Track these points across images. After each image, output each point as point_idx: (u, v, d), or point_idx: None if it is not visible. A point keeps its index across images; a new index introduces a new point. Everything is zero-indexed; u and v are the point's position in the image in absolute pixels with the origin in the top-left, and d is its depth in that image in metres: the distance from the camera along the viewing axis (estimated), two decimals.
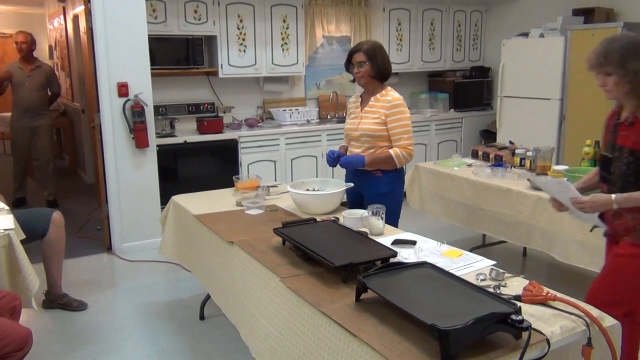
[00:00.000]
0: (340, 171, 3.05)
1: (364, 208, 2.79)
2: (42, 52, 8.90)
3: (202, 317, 3.34)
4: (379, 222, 2.47)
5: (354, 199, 3.10)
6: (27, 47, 5.48)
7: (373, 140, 2.92)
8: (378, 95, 2.96)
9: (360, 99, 3.09)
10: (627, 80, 1.98)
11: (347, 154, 3.07)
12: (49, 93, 5.74)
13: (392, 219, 2.87)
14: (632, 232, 2.06)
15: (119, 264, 4.31)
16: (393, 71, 6.59)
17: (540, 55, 5.31)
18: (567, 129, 5.17)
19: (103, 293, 3.75)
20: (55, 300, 3.48)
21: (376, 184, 2.94)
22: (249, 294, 2.18)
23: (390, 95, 2.94)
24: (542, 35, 5.36)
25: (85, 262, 4.34)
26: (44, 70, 5.62)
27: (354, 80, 3.03)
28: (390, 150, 2.88)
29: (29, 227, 3.00)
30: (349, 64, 3.00)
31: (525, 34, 5.60)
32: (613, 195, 1.99)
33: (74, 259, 4.31)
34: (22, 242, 2.64)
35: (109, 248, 4.54)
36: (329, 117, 6.00)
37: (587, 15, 5.20)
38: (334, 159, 2.98)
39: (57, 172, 5.92)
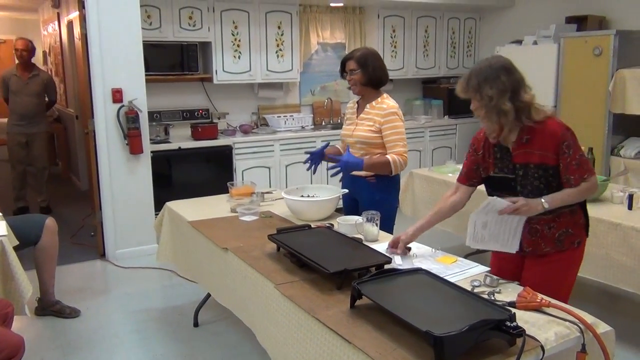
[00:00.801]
0: (335, 177, 3.04)
1: (359, 214, 2.79)
2: (36, 58, 8.88)
3: (196, 324, 3.32)
4: (373, 229, 2.47)
5: (349, 205, 3.10)
6: (27, 55, 5.45)
7: (367, 147, 2.93)
8: (374, 103, 2.96)
9: (357, 105, 3.09)
10: (482, 105, 2.06)
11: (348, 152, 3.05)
12: (46, 100, 5.71)
13: (387, 226, 2.87)
14: (552, 243, 2.15)
15: (112, 271, 4.29)
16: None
17: (534, 62, 5.34)
18: None
19: (96, 300, 3.73)
20: (48, 307, 3.46)
21: (371, 190, 2.94)
22: (252, 299, 2.17)
23: (386, 103, 2.94)
24: (535, 43, 5.40)
25: (79, 268, 4.31)
26: (41, 78, 5.58)
27: (349, 88, 3.05)
28: (388, 156, 2.85)
29: (22, 233, 2.98)
30: (343, 72, 3.01)
31: (519, 41, 5.64)
32: (542, 199, 2.05)
33: (67, 265, 4.29)
34: (15, 248, 2.63)
35: (102, 254, 4.52)
36: (323, 124, 6.01)
37: (580, 22, 5.25)
38: (318, 154, 2.94)
39: (50, 178, 5.89)
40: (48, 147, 5.90)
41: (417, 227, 2.29)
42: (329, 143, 3.15)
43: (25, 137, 5.49)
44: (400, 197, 4.08)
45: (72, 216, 5.59)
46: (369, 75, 2.91)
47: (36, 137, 5.54)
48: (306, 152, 3.05)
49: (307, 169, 3.02)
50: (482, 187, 2.32)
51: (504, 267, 2.25)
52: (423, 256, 2.24)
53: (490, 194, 2.23)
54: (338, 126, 5.53)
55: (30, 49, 5.48)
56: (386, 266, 1.99)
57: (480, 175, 2.27)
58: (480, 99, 2.06)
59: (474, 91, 2.07)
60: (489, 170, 2.23)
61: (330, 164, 2.84)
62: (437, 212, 2.35)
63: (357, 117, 3.03)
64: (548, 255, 2.17)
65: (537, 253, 2.19)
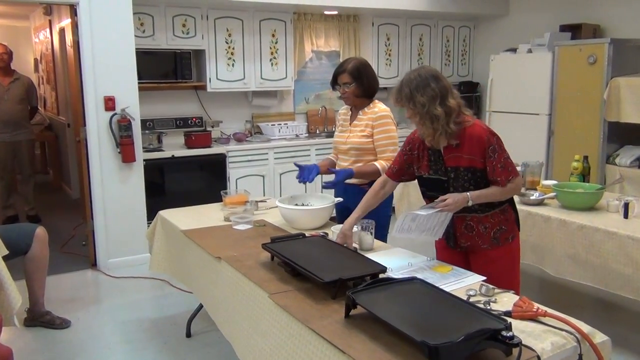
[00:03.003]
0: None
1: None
2: (27, 66, 8.87)
3: (188, 335, 3.30)
4: (368, 237, 2.47)
5: (343, 214, 3.09)
6: (8, 58, 5.41)
7: (360, 154, 2.93)
8: (366, 109, 2.98)
9: (349, 111, 3.10)
10: (416, 112, 2.21)
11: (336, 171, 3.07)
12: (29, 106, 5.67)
13: (381, 234, 2.86)
14: (489, 241, 2.34)
15: (103, 281, 4.26)
16: (382, 86, 6.64)
17: (529, 70, 5.38)
18: (556, 144, 5.23)
19: (87, 310, 3.70)
20: (38, 317, 3.43)
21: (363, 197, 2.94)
22: (242, 310, 2.16)
23: (377, 107, 2.95)
24: (530, 51, 5.44)
25: (69, 278, 4.29)
26: (22, 82, 5.54)
27: (341, 97, 3.04)
28: (376, 163, 2.88)
29: (11, 242, 2.95)
30: (334, 84, 3.01)
31: (514, 50, 5.68)
32: (468, 193, 2.23)
33: (58, 275, 4.26)
34: (5, 258, 2.61)
35: (93, 264, 4.49)
36: (317, 132, 6.02)
37: (574, 31, 5.30)
38: (305, 175, 2.91)
39: (41, 187, 5.85)
40: (34, 154, 5.85)
41: (355, 218, 2.45)
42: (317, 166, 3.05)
43: (10, 145, 5.44)
44: (395, 205, 4.09)
45: (63, 225, 5.56)
46: (364, 87, 2.92)
47: (21, 144, 5.51)
48: (296, 164, 3.00)
49: (299, 182, 2.98)
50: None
51: (448, 262, 2.34)
52: (418, 265, 2.24)
53: (423, 192, 2.43)
54: (332, 134, 5.51)
55: (9, 52, 5.44)
56: (381, 275, 1.99)
57: (412, 173, 2.45)
58: (414, 107, 2.21)
59: (407, 100, 2.23)
60: (422, 170, 2.39)
61: (325, 180, 2.85)
62: (368, 207, 2.50)
63: (350, 124, 3.04)
64: (487, 252, 2.35)
65: (475, 249, 2.37)
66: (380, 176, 2.89)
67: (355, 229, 2.53)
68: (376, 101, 3.01)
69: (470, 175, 2.26)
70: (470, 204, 2.23)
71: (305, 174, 2.92)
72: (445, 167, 2.30)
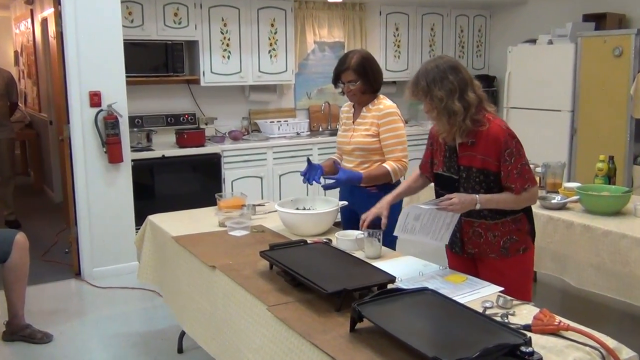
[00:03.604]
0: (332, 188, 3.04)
1: (359, 228, 2.79)
2: (6, 59, 8.91)
3: (180, 350, 3.30)
4: (375, 245, 2.47)
5: (348, 219, 3.10)
6: None
7: (366, 155, 2.93)
8: (370, 105, 2.97)
9: (352, 108, 3.10)
10: (433, 106, 2.21)
11: (341, 168, 3.07)
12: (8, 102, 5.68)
13: (389, 240, 2.86)
14: (497, 250, 2.34)
15: (88, 291, 4.27)
16: (390, 80, 6.62)
17: (549, 63, 5.38)
18: (579, 143, 5.23)
19: (71, 323, 3.70)
20: (17, 331, 3.43)
21: (371, 201, 2.93)
22: (232, 324, 2.16)
23: (383, 103, 2.95)
24: (550, 42, 5.44)
25: (52, 289, 4.29)
26: (1, 77, 5.54)
27: (343, 93, 3.04)
28: (386, 165, 2.88)
29: None
30: (337, 82, 3.00)
31: (533, 41, 5.68)
32: (477, 196, 2.23)
33: (39, 285, 4.26)
34: None
35: (77, 273, 4.49)
36: (320, 130, 6.03)
37: (598, 21, 5.29)
38: (309, 175, 2.91)
39: (21, 190, 5.87)
40: (14, 154, 5.86)
41: (395, 195, 2.56)
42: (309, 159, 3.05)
43: None
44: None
45: (44, 231, 5.57)
46: (370, 82, 2.92)
47: (1, 143, 5.52)
48: (308, 160, 2.99)
49: (304, 182, 2.99)
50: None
51: (457, 270, 2.35)
52: (430, 275, 2.24)
53: (437, 191, 2.45)
54: (336, 132, 5.52)
55: None
56: (390, 286, 1.99)
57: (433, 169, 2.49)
58: (431, 101, 2.20)
59: (424, 94, 2.21)
60: (438, 166, 2.43)
61: (328, 181, 2.85)
62: (407, 190, 2.63)
63: (353, 122, 3.04)
64: (495, 262, 2.35)
65: (482, 257, 2.38)
66: (390, 179, 2.90)
67: (360, 235, 2.53)
68: (381, 96, 3.00)
69: (482, 177, 2.26)
70: (478, 207, 2.22)
71: (311, 175, 2.92)
72: (457, 165, 2.32)
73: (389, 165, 2.88)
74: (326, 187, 2.91)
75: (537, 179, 3.73)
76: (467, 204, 2.21)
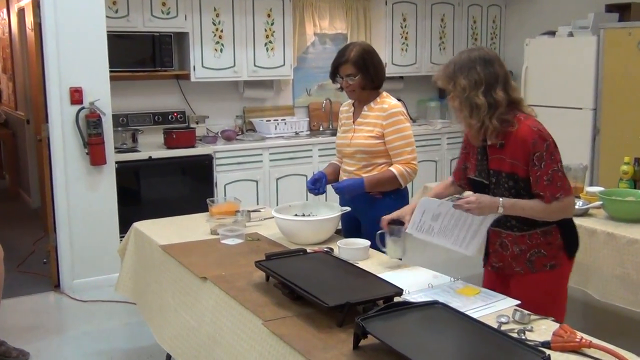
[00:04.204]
0: (332, 190, 3.04)
1: (362, 236, 2.79)
2: None
3: None
4: (398, 243, 2.48)
5: (350, 226, 3.10)
6: None
7: (369, 157, 2.93)
8: (372, 104, 2.97)
9: (352, 107, 3.10)
10: (456, 95, 2.24)
11: (341, 174, 3.08)
12: None
13: None
14: (523, 264, 2.33)
15: (68, 305, 4.26)
16: (397, 75, 6.62)
17: (569, 57, 5.38)
18: (602, 144, 5.22)
19: (49, 340, 3.70)
20: None
21: (376, 207, 2.94)
22: (222, 341, 2.16)
23: (387, 102, 2.95)
24: (571, 34, 5.45)
25: (28, 302, 4.29)
26: None
27: (342, 89, 3.05)
28: (392, 169, 2.88)
29: None
30: (335, 76, 3.00)
31: (552, 33, 5.68)
32: (501, 199, 2.20)
33: (14, 298, 4.26)
34: None
35: (56, 285, 4.49)
36: (321, 129, 6.03)
37: (622, 11, 5.30)
38: (318, 186, 2.96)
39: None
40: None
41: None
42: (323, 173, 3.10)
43: None
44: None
45: (20, 239, 5.56)
46: (370, 77, 2.92)
47: None
48: (308, 186, 3.03)
49: (314, 195, 3.02)
50: None
51: (494, 286, 2.35)
52: (440, 287, 2.24)
53: None
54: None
55: None
56: (397, 299, 1.98)
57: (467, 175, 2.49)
58: (454, 88, 2.23)
59: (448, 79, 2.25)
60: (470, 170, 2.44)
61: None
62: (437, 197, 2.50)
63: (353, 122, 3.04)
64: (521, 277, 2.34)
65: (507, 271, 2.38)
66: (398, 184, 2.90)
67: (362, 244, 2.54)
68: (384, 94, 3.00)
69: (512, 182, 2.25)
70: (500, 212, 2.19)
71: (317, 185, 2.95)
72: (487, 169, 2.33)
73: (395, 169, 2.88)
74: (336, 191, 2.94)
75: None
76: (487, 205, 2.19)
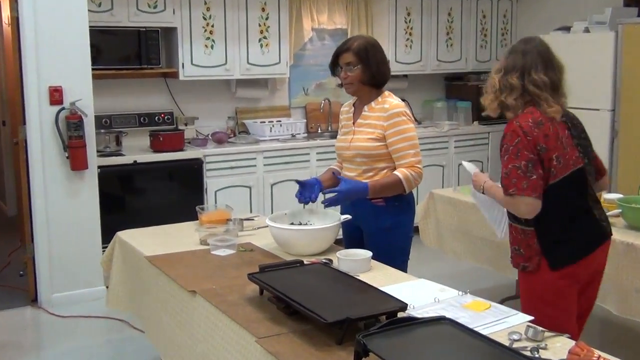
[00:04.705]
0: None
1: (363, 246, 2.79)
2: None
3: None
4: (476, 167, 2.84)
5: (351, 235, 3.10)
6: None
7: (369, 161, 2.93)
8: (373, 104, 2.97)
9: (353, 107, 3.10)
10: (497, 81, 2.54)
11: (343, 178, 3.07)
12: None
13: (400, 261, 2.86)
14: (510, 254, 2.60)
15: (47, 321, 4.25)
16: (400, 73, 6.64)
17: (585, 54, 5.39)
18: (621, 147, 5.23)
19: (26, 359, 3.68)
20: None
21: (378, 215, 2.94)
22: (220, 358, 2.15)
23: (388, 102, 2.95)
24: (587, 30, 5.46)
25: (3, 318, 4.28)
26: None
27: (341, 85, 3.05)
28: (397, 173, 2.86)
29: None
30: (335, 67, 3.01)
31: (567, 28, 5.70)
32: (487, 177, 2.70)
33: None
34: None
35: (34, 300, 4.48)
36: (319, 131, 6.04)
37: None
38: (309, 194, 2.90)
39: None
40: None
41: None
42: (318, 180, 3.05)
43: None
44: (420, 223, 4.10)
45: None
46: (371, 71, 2.91)
47: None
48: (297, 182, 2.99)
49: (300, 202, 2.95)
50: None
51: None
52: (448, 301, 2.24)
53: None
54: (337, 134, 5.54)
55: None
56: (401, 314, 1.98)
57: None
58: (498, 72, 2.55)
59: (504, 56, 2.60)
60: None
61: (328, 195, 2.84)
62: None
63: (353, 123, 3.04)
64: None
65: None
66: (403, 189, 2.86)
67: (364, 255, 2.55)
68: (386, 93, 3.00)
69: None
70: (481, 190, 2.61)
71: (307, 193, 2.91)
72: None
73: (400, 173, 2.86)
74: (327, 204, 2.86)
75: None
76: (479, 181, 2.66)
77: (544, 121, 2.43)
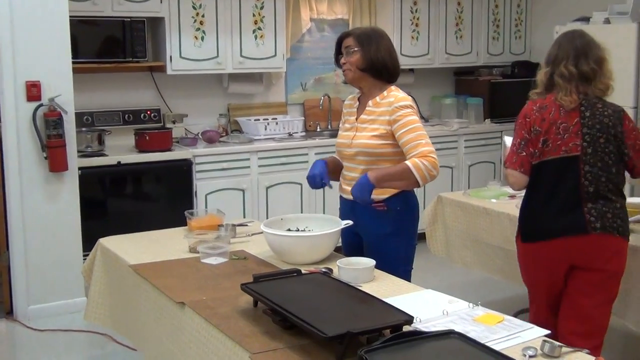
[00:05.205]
0: (332, 199, 3.03)
1: (364, 254, 2.78)
2: None
3: None
4: None
5: (351, 243, 3.10)
6: None
7: (372, 161, 2.92)
8: (377, 98, 2.96)
9: (357, 102, 3.10)
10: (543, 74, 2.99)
11: (341, 181, 3.08)
12: None
13: (402, 271, 2.85)
14: None
15: (23, 335, 4.25)
16: (406, 67, 6.63)
17: (606, 47, 5.39)
18: None
19: None
20: None
21: (379, 221, 2.94)
22: None
23: (393, 95, 2.94)
24: (607, 21, 5.47)
25: None
26: None
27: (346, 82, 3.06)
28: (407, 162, 2.78)
29: None
30: (338, 55, 3.02)
31: (586, 19, 5.70)
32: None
33: None
34: None
35: (9, 312, 4.48)
36: (318, 130, 6.04)
37: None
38: (320, 180, 2.96)
39: None
40: None
41: None
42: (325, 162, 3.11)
43: None
44: (427, 230, 4.10)
45: None
46: (370, 57, 2.92)
47: None
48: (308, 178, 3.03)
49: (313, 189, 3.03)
50: None
51: None
52: (457, 314, 2.24)
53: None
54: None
55: None
56: (406, 328, 1.98)
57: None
58: (545, 65, 3.02)
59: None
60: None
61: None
62: None
63: (356, 118, 3.04)
64: None
65: None
66: (414, 179, 2.81)
67: (369, 263, 2.53)
68: (392, 87, 3.00)
69: None
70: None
71: (318, 179, 2.93)
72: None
73: (409, 162, 2.77)
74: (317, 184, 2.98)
75: None
76: None
77: (549, 106, 2.87)
